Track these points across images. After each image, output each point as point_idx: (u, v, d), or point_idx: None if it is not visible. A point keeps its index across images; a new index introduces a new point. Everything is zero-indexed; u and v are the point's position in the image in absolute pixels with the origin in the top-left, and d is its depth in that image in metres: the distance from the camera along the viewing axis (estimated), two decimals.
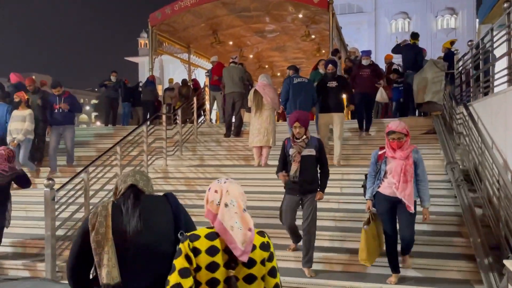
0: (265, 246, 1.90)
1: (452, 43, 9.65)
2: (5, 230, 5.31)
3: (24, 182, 5.47)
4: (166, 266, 1.88)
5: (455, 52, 8.73)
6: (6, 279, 5.25)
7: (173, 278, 1.76)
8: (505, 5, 5.25)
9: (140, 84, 13.82)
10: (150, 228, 2.04)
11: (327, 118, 7.34)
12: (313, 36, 14.48)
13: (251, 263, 1.83)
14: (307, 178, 4.65)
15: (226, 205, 1.87)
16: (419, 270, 4.68)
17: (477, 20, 36.97)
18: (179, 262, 1.79)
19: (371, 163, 4.43)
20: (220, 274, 1.80)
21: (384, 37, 37.98)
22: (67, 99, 8.07)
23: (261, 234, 1.94)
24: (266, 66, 19.34)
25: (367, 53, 8.86)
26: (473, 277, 4.51)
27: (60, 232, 5.46)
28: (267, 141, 7.30)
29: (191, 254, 1.79)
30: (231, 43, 15.60)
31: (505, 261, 3.48)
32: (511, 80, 5.16)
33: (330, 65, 7.45)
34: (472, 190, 5.72)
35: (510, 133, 4.82)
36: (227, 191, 1.90)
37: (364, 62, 8.69)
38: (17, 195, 7.57)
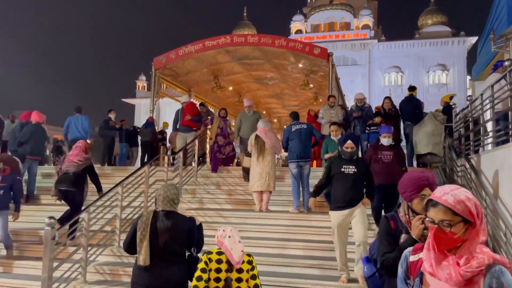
0: (249, 262, 3.29)
1: (451, 97, 9.95)
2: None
3: (93, 174, 6.97)
4: (177, 264, 3.48)
5: (453, 106, 8.98)
6: None
7: (197, 273, 3.14)
8: (506, 63, 5.47)
9: (136, 128, 14.00)
10: (173, 236, 3.50)
11: (343, 218, 5.04)
12: (311, 85, 14.83)
13: (240, 270, 3.22)
14: None
15: (229, 237, 3.29)
16: None
17: (468, 77, 38.35)
18: (201, 265, 3.18)
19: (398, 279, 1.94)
20: (222, 275, 3.17)
21: (378, 88, 39.06)
22: (7, 178, 6.48)
23: (248, 255, 3.32)
24: (264, 112, 19.63)
25: (389, 130, 6.42)
26: None
27: (56, 274, 5.26)
28: (268, 185, 7.29)
29: (207, 261, 3.20)
30: (231, 88, 15.92)
31: None
32: None
33: (349, 142, 5.15)
34: None
35: None
36: (230, 230, 3.36)
37: (385, 141, 6.28)
38: (18, 234, 7.41)
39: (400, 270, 1.86)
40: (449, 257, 1.61)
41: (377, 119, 9.22)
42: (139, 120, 36.03)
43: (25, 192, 8.51)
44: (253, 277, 3.24)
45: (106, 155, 12.42)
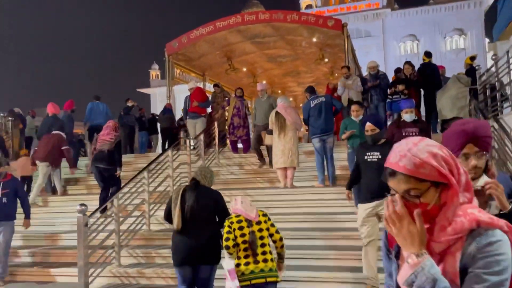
0: (264, 215, 3.79)
1: (472, 58, 9.62)
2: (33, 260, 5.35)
3: (119, 150, 7.56)
4: (207, 226, 4.07)
5: (476, 67, 8.68)
6: None
7: (224, 236, 3.65)
8: None
9: (155, 116, 14.04)
10: (200, 205, 4.05)
11: (369, 211, 4.57)
12: (326, 60, 14.57)
13: (259, 223, 3.72)
14: None
15: (242, 202, 3.76)
16: None
17: (486, 39, 37.16)
18: (225, 229, 3.68)
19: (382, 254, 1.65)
20: (245, 230, 3.65)
21: (394, 59, 38.19)
22: (9, 184, 5.93)
23: (261, 211, 3.82)
24: (279, 91, 19.46)
25: (411, 104, 5.77)
26: None
27: (92, 259, 5.37)
28: (291, 162, 7.23)
29: (230, 224, 3.69)
30: (244, 69, 15.78)
31: None
32: None
33: (368, 124, 4.62)
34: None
35: None
36: (241, 198, 3.82)
37: (407, 117, 5.66)
38: (50, 224, 7.60)
39: (382, 244, 1.50)
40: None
41: (401, 87, 8.77)
42: (155, 109, 36.16)
43: (49, 187, 8.70)
44: (272, 225, 3.78)
45: (127, 144, 12.53)
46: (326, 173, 7.38)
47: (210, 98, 11.28)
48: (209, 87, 15.69)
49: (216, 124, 9.72)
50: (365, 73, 10.97)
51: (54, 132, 8.57)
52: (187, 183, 4.29)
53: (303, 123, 7.71)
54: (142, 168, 6.81)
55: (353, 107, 6.53)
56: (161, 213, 6.92)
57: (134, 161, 10.04)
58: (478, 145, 1.94)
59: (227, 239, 3.59)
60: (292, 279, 4.94)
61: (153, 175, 7.09)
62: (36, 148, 8.85)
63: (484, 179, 1.96)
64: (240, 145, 10.14)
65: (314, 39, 12.71)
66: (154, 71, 46.75)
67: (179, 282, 4.13)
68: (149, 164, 6.97)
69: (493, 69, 7.24)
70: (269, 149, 8.10)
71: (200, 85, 15.01)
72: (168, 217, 4.24)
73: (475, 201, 1.29)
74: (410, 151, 1.22)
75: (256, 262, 3.57)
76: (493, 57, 7.34)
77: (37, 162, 8.25)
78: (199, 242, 3.96)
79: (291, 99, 20.37)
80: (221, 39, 12.80)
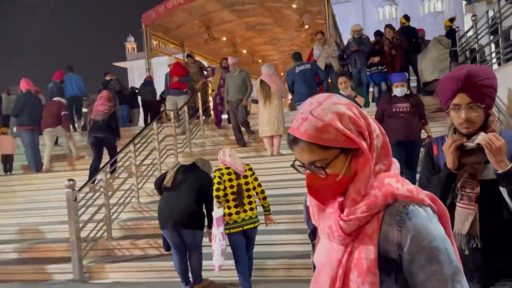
0: (250, 169, 4.24)
1: (452, 20, 9.66)
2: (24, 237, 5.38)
3: (115, 120, 7.70)
4: (190, 197, 4.35)
5: (456, 29, 8.74)
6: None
7: (215, 186, 4.02)
8: None
9: (135, 89, 13.70)
10: (191, 181, 4.42)
11: None
12: (306, 26, 14.44)
13: (245, 176, 4.15)
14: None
15: (230, 155, 4.14)
16: None
17: (463, 1, 37.22)
18: (216, 180, 4.03)
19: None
20: (234, 182, 4.07)
21: (372, 25, 37.94)
22: None
23: (247, 165, 4.26)
24: (260, 61, 19.25)
25: (402, 77, 5.43)
26: None
27: (83, 234, 5.39)
28: (277, 129, 7.27)
29: (220, 175, 4.03)
30: (224, 39, 15.53)
31: None
32: None
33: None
34: None
35: None
36: (229, 150, 4.21)
37: (398, 91, 5.26)
38: (34, 201, 7.53)
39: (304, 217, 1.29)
40: (336, 201, 1.05)
41: (376, 59, 8.63)
42: (133, 83, 35.31)
43: (32, 165, 8.56)
44: (256, 179, 4.25)
45: None
46: None
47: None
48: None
49: (199, 95, 9.60)
50: (348, 37, 10.81)
51: (54, 99, 8.93)
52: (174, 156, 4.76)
53: (288, 90, 7.70)
54: (128, 142, 6.75)
55: (341, 79, 5.90)
56: (149, 185, 6.96)
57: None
58: (473, 95, 1.68)
59: (218, 189, 3.98)
60: (281, 243, 5.07)
61: (139, 149, 7.05)
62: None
63: (480, 137, 1.68)
64: (224, 116, 10.02)
65: (294, 5, 12.54)
66: (130, 44, 45.61)
67: (171, 246, 4.47)
68: (134, 137, 6.91)
69: (472, 30, 7.31)
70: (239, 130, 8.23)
71: (180, 56, 14.80)
72: (160, 184, 4.54)
73: (396, 167, 1.08)
74: (313, 112, 1.01)
75: (245, 211, 4.05)
76: (472, 18, 7.40)
77: (44, 132, 8.58)
78: (179, 207, 4.27)
79: None
80: (199, 8, 12.51)
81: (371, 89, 9.50)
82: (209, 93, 10.55)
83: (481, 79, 1.68)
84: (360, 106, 5.51)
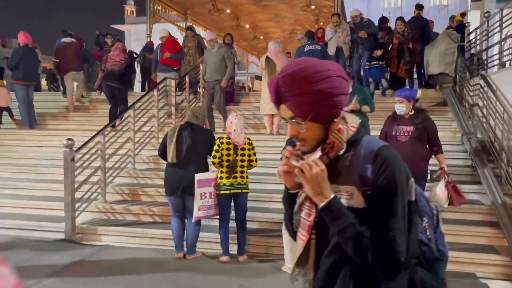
0: (249, 143, 4.54)
1: (463, 14, 9.60)
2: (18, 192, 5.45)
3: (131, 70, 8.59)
4: (197, 162, 4.54)
5: (466, 24, 8.68)
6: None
7: (213, 153, 4.41)
8: None
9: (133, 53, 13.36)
10: (194, 142, 4.54)
11: None
12: (313, 7, 14.22)
13: (243, 149, 4.48)
14: None
15: (234, 130, 4.43)
16: (446, 235, 4.74)
17: None
18: (215, 147, 4.41)
19: None
20: (231, 151, 4.42)
21: (377, 11, 37.64)
22: None
23: (248, 138, 4.57)
24: (261, 37, 19.05)
25: (401, 93, 4.47)
26: (498, 243, 4.60)
27: (77, 195, 5.33)
28: None
29: (219, 144, 4.41)
30: (228, 11, 15.22)
31: None
32: None
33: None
34: (490, 160, 5.78)
35: None
36: (235, 124, 4.44)
37: (397, 108, 4.48)
38: (27, 158, 7.42)
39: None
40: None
41: (379, 52, 8.43)
42: (130, 47, 34.71)
43: (26, 121, 8.38)
44: (254, 153, 4.56)
45: None
46: None
47: (183, 41, 10.13)
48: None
49: (201, 66, 9.38)
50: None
51: (66, 40, 9.34)
52: (179, 123, 4.87)
53: None
54: (129, 106, 6.66)
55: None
56: (146, 152, 6.91)
57: None
58: (292, 107, 1.31)
59: (214, 156, 4.40)
60: (275, 221, 5.10)
61: (138, 114, 6.95)
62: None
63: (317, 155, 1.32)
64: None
65: None
66: (129, 7, 44.50)
67: (171, 210, 4.66)
68: (135, 103, 6.80)
69: (485, 26, 7.26)
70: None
71: (182, 24, 14.49)
72: (163, 153, 4.67)
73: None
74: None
75: (235, 177, 4.43)
76: (485, 15, 7.35)
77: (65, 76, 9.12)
78: (187, 174, 4.44)
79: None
80: None
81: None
82: None
83: (301, 85, 1.27)
84: (367, 117, 5.27)
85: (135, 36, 38.37)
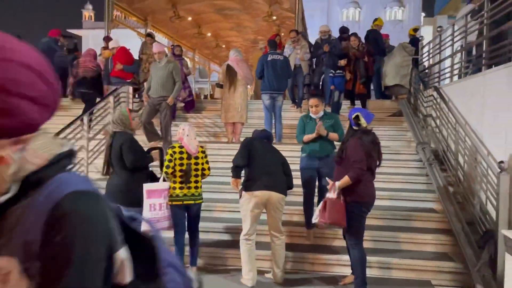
0: (203, 151, 4.44)
1: (415, 29, 9.98)
2: None
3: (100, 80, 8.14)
4: (120, 171, 4.14)
5: (420, 38, 9.02)
6: None
7: (165, 163, 4.26)
8: None
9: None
10: (113, 151, 4.11)
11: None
12: (274, 17, 14.35)
13: (197, 157, 4.38)
14: None
15: (187, 135, 4.34)
16: (400, 243, 4.83)
17: (422, 13, 38.73)
18: (167, 157, 4.27)
19: None
20: (184, 161, 4.31)
21: (336, 24, 38.61)
22: None
23: (201, 147, 4.47)
24: (223, 46, 19.02)
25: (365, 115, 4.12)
26: (451, 250, 4.73)
27: None
28: (241, 117, 7.16)
29: (172, 153, 4.28)
30: (190, 19, 15.10)
31: (504, 231, 3.65)
32: (487, 63, 5.41)
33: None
34: (443, 169, 5.98)
35: (487, 113, 5.06)
36: (188, 129, 4.39)
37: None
38: None
39: None
40: None
41: (342, 62, 8.25)
42: None
43: None
44: (207, 162, 4.48)
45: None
46: (273, 131, 7.40)
47: (139, 49, 9.90)
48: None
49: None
50: (315, 37, 10.68)
51: None
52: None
53: (254, 77, 7.59)
54: (82, 113, 6.39)
55: (312, 101, 4.96)
56: (101, 161, 6.62)
57: (69, 106, 9.37)
58: None
59: (168, 166, 4.26)
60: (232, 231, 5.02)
61: (93, 121, 6.69)
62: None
63: None
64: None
65: None
66: (87, 12, 43.34)
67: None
68: (90, 110, 6.54)
69: (437, 40, 7.56)
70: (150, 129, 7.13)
71: (142, 31, 14.22)
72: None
73: None
74: None
75: (188, 188, 4.31)
76: (438, 29, 7.65)
77: None
78: (115, 186, 4.14)
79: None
80: None
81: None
82: None
83: None
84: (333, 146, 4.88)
85: (93, 41, 37.25)
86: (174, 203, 4.30)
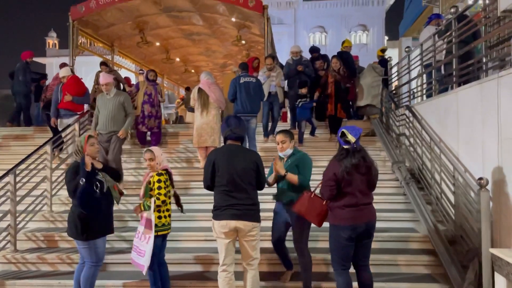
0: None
1: (383, 50, 10.16)
2: None
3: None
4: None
5: (388, 59, 9.17)
6: None
7: (162, 191, 4.11)
8: (452, 10, 5.58)
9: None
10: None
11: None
12: (243, 42, 14.39)
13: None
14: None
15: (164, 160, 4.27)
16: (383, 266, 4.68)
17: (386, 37, 40.10)
18: (162, 185, 4.09)
19: None
20: (169, 187, 4.21)
21: (304, 48, 39.13)
22: None
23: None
24: (192, 71, 18.96)
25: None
26: (435, 271, 4.61)
27: None
28: (213, 141, 6.96)
29: (165, 180, 4.14)
30: (158, 44, 14.96)
31: (492, 250, 3.55)
32: (458, 81, 5.47)
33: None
34: (420, 188, 5.92)
35: (462, 130, 5.06)
36: (163, 153, 4.33)
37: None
38: None
39: None
40: None
41: (304, 90, 7.95)
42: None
43: None
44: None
45: (19, 114, 11.09)
46: None
47: (94, 79, 9.56)
48: (118, 59, 14.64)
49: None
50: (285, 58, 10.69)
51: None
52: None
53: (227, 100, 7.42)
54: (45, 142, 6.02)
55: (278, 137, 4.36)
56: (65, 192, 6.23)
57: (32, 134, 8.92)
58: None
59: (166, 194, 4.06)
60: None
61: (55, 152, 6.32)
62: None
63: None
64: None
65: (233, 19, 12.39)
66: (51, 39, 42.58)
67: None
68: (51, 138, 6.20)
69: (405, 60, 7.67)
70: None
71: (108, 57, 13.91)
72: None
73: None
74: None
75: (170, 215, 4.20)
76: (406, 49, 7.79)
77: None
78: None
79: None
80: (133, 9, 11.85)
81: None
82: (135, 111, 8.27)
83: None
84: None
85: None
86: (161, 233, 4.11)
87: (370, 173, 3.76)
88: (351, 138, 3.73)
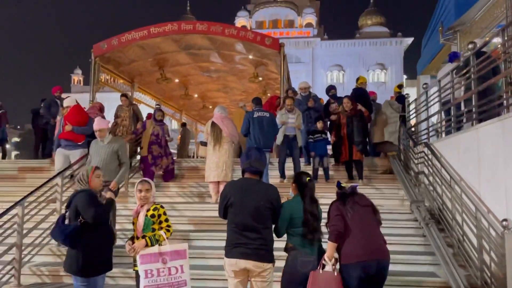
0: None
1: (400, 86, 10.06)
2: None
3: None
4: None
5: (406, 95, 9.05)
6: None
7: (169, 222, 4.13)
8: (470, 46, 5.48)
9: None
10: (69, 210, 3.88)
11: None
12: (260, 78, 14.53)
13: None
14: None
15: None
16: None
17: (404, 75, 40.20)
18: (166, 215, 4.09)
19: None
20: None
21: (321, 86, 39.79)
22: None
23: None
24: (210, 107, 19.14)
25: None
26: None
27: None
28: (225, 175, 6.84)
29: (165, 210, 4.11)
30: (177, 80, 15.24)
31: None
32: (478, 118, 5.28)
33: None
34: (440, 229, 5.62)
35: (484, 168, 4.82)
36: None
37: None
38: None
39: None
40: None
41: (319, 125, 7.90)
42: None
43: None
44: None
45: (38, 148, 11.31)
46: None
47: (115, 112, 9.43)
48: (137, 95, 14.91)
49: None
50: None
51: None
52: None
53: (241, 134, 7.37)
54: (55, 175, 6.01)
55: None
56: None
57: (49, 167, 8.97)
58: None
59: (169, 226, 4.03)
60: None
61: (66, 184, 6.30)
62: None
63: None
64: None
65: (250, 56, 12.58)
66: (77, 76, 44.17)
67: None
68: (63, 170, 6.18)
69: (423, 97, 7.53)
70: None
71: (129, 92, 14.18)
72: None
73: None
74: None
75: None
76: (424, 86, 7.66)
77: None
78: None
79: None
80: (154, 46, 12.18)
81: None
82: (142, 151, 8.38)
83: None
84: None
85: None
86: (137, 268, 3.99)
87: (373, 208, 3.77)
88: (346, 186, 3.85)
